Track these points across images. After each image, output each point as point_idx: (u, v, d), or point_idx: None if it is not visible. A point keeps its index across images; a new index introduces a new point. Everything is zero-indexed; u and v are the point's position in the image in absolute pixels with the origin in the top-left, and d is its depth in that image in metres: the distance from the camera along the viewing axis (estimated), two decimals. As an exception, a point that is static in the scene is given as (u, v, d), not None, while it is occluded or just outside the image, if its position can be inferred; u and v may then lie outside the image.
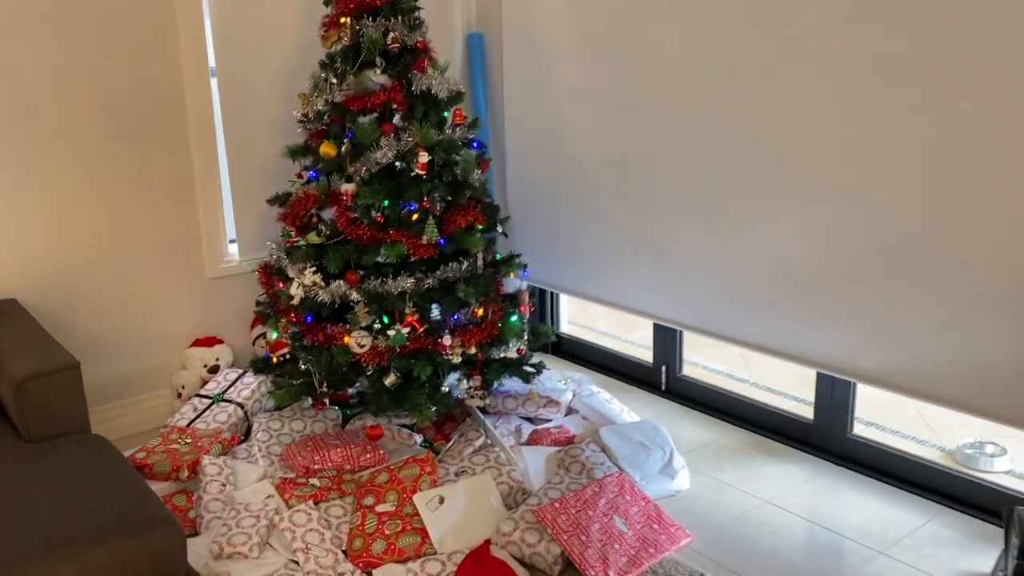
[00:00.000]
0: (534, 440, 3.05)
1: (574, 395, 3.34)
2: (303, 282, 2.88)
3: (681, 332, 3.51)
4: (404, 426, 3.10)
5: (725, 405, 3.36)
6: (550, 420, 3.25)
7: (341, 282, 2.83)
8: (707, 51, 2.86)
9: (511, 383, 3.34)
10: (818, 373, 2.98)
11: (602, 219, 3.39)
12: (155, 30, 3.08)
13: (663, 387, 3.59)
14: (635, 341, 4.35)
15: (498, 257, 3.12)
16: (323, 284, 2.87)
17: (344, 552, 2.43)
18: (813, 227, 2.69)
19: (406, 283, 2.78)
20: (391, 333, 2.75)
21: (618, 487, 2.59)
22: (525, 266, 3.15)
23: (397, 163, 2.83)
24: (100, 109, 3.02)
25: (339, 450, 2.83)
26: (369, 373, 2.86)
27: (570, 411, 3.32)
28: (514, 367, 3.04)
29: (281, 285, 2.98)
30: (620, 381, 3.73)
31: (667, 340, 3.54)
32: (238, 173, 3.39)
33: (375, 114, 2.86)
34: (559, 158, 3.53)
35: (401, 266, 2.87)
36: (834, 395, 2.96)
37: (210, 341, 3.38)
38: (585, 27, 3.27)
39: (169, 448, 2.84)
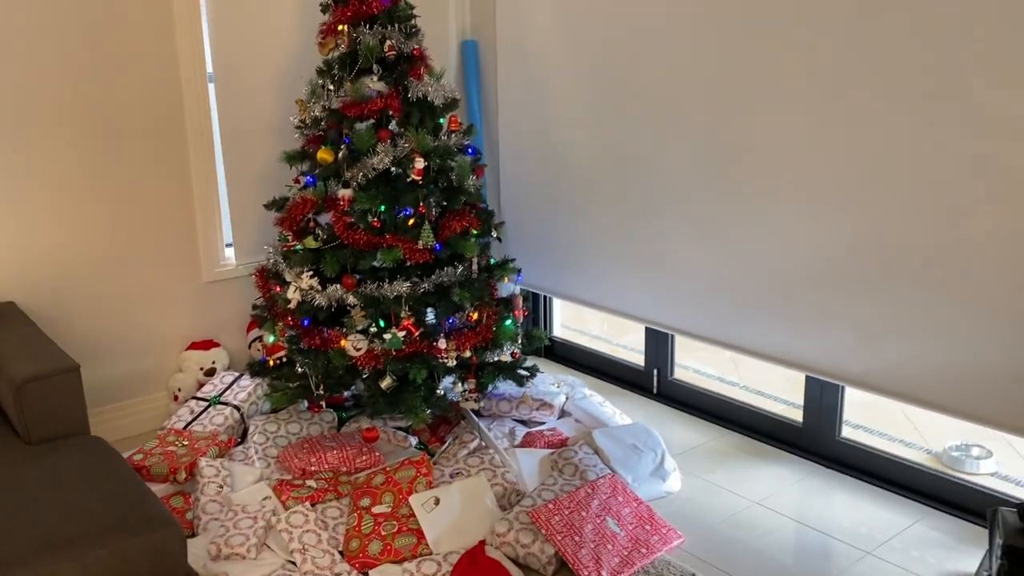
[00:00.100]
0: (528, 442, 3.08)
1: (567, 398, 3.38)
2: (300, 286, 2.91)
3: (672, 336, 3.55)
4: (399, 428, 3.13)
5: (716, 408, 3.40)
6: (544, 423, 3.28)
7: (338, 286, 2.86)
8: (700, 57, 2.91)
9: (505, 386, 3.37)
10: (807, 377, 3.03)
11: (595, 224, 3.43)
12: (154, 36, 3.11)
13: (655, 390, 3.63)
14: (627, 345, 4.38)
15: (492, 262, 3.15)
16: (320, 288, 2.90)
17: (341, 553, 2.45)
18: (803, 233, 2.73)
19: (402, 287, 2.82)
20: (387, 337, 2.78)
21: (611, 489, 2.63)
22: (519, 271, 3.19)
23: (393, 169, 2.86)
24: (99, 113, 3.05)
25: (335, 452, 2.86)
26: (365, 376, 2.89)
27: (563, 414, 3.36)
28: (508, 370, 3.08)
29: (278, 289, 3.01)
30: (612, 384, 3.77)
31: (659, 344, 3.58)
32: (235, 178, 3.41)
33: (372, 120, 2.89)
34: (552, 164, 3.57)
35: (397, 270, 2.90)
36: (823, 399, 3.00)
37: (206, 344, 3.40)
38: (578, 33, 3.31)
39: (166, 450, 2.86)
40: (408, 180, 2.86)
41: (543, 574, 2.38)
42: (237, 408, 3.14)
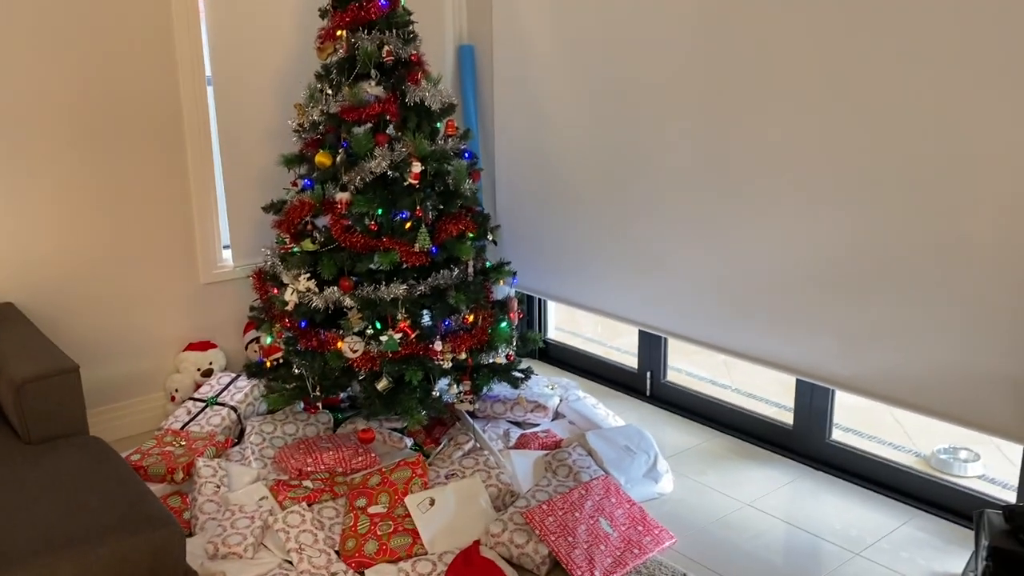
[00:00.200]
0: (522, 444, 3.11)
1: (561, 400, 3.40)
2: (297, 288, 2.93)
3: (665, 339, 3.58)
4: (395, 430, 3.16)
5: (708, 411, 3.43)
6: (538, 424, 3.31)
7: (335, 288, 2.89)
8: (694, 64, 2.94)
9: (500, 388, 3.40)
10: (797, 380, 3.06)
11: (590, 228, 3.46)
12: (153, 38, 3.13)
13: (648, 393, 3.66)
14: (621, 347, 4.41)
15: (488, 265, 3.18)
16: (317, 290, 2.93)
17: (337, 552, 2.48)
18: (797, 237, 2.76)
19: (398, 290, 2.84)
20: (383, 339, 2.81)
21: (604, 490, 2.66)
22: (514, 273, 3.22)
23: (390, 173, 2.89)
24: (98, 115, 3.07)
25: (331, 453, 2.89)
26: (361, 378, 2.92)
27: (557, 416, 3.38)
28: (503, 372, 3.10)
29: (275, 291, 3.03)
30: (606, 386, 3.80)
31: (652, 347, 3.61)
32: (233, 180, 3.44)
33: (370, 125, 2.92)
34: (548, 168, 3.60)
35: (394, 273, 2.93)
36: (813, 402, 3.03)
37: (204, 345, 3.42)
38: (573, 38, 3.34)
39: (164, 450, 2.88)
40: (405, 184, 2.89)
41: (537, 574, 2.41)
42: (234, 409, 3.17)
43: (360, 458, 2.90)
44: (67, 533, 1.87)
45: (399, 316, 2.84)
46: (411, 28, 3.01)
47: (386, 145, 2.88)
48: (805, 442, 3.08)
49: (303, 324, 2.95)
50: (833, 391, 3.00)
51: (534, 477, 2.87)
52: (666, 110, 3.05)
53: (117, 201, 3.17)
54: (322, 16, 3.03)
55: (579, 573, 2.32)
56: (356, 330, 2.86)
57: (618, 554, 2.43)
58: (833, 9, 2.52)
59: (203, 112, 3.28)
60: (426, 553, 2.45)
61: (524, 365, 3.27)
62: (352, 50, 2.93)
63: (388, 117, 2.92)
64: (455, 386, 2.99)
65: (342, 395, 3.38)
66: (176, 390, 3.33)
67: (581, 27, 3.30)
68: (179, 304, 3.38)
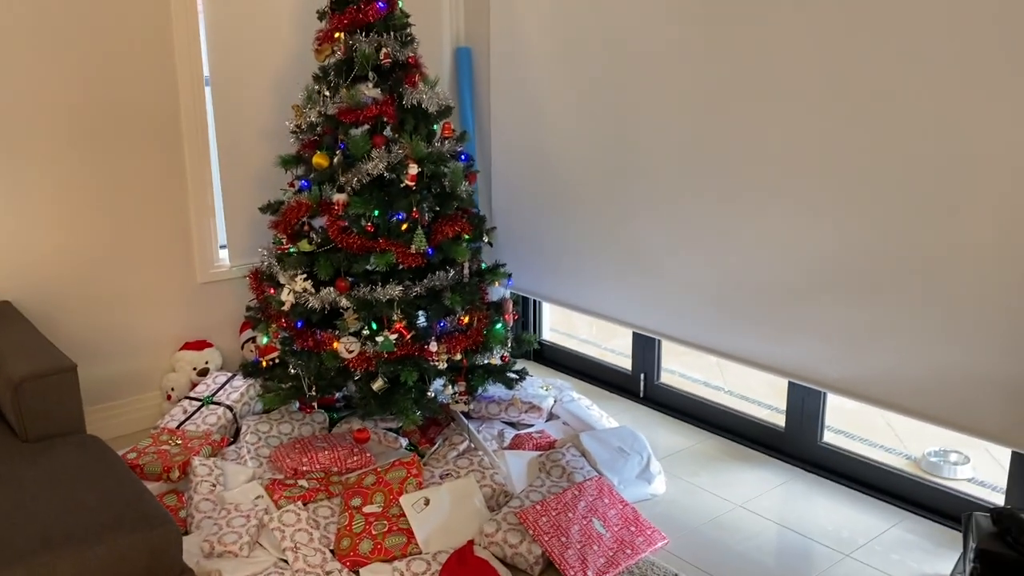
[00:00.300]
0: (516, 444, 3.13)
1: (555, 401, 3.42)
2: (294, 288, 2.95)
3: (659, 341, 3.60)
4: (390, 430, 3.17)
5: (701, 412, 3.45)
6: (532, 425, 3.33)
7: (331, 289, 2.90)
8: (690, 68, 2.96)
9: (495, 389, 3.42)
10: (789, 383, 3.09)
11: (586, 230, 3.48)
12: (151, 38, 3.15)
13: (641, 394, 3.68)
14: (615, 349, 4.43)
15: (483, 266, 3.20)
16: (313, 291, 2.94)
17: (332, 551, 2.50)
18: (789, 242, 2.79)
19: (394, 291, 2.86)
20: (379, 339, 2.83)
21: (597, 490, 2.68)
22: (509, 275, 3.23)
23: (387, 174, 2.90)
24: (96, 115, 3.08)
25: (327, 452, 2.90)
26: (357, 378, 2.94)
27: (551, 416, 3.40)
28: (498, 373, 3.12)
29: (272, 291, 3.05)
30: (600, 388, 3.82)
31: (646, 348, 3.63)
32: (230, 180, 3.45)
33: (367, 126, 2.94)
34: (544, 170, 3.62)
35: (390, 274, 2.95)
36: (805, 404, 3.06)
37: (200, 344, 3.43)
38: (571, 41, 3.36)
39: (160, 449, 2.89)
40: (402, 185, 2.91)
41: (530, 574, 2.43)
42: (230, 408, 3.18)
43: (355, 458, 2.92)
44: (65, 531, 1.89)
45: (395, 317, 2.86)
46: (409, 31, 3.03)
47: (383, 147, 2.90)
48: (797, 444, 3.11)
49: (299, 324, 2.97)
50: (825, 394, 3.02)
51: (528, 477, 2.89)
52: (662, 113, 3.08)
53: (115, 200, 3.18)
54: (320, 18, 3.04)
55: (572, 573, 2.35)
56: (352, 330, 2.88)
57: (611, 554, 2.45)
58: (832, 12, 2.54)
59: (201, 112, 3.30)
60: (421, 553, 2.47)
61: (519, 366, 3.30)
62: (350, 52, 2.94)
63: (385, 119, 2.94)
64: (450, 387, 3.01)
65: (338, 395, 3.39)
66: (172, 389, 3.34)
67: (578, 30, 3.32)
68: (176, 303, 3.40)
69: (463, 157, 3.13)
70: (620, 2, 3.13)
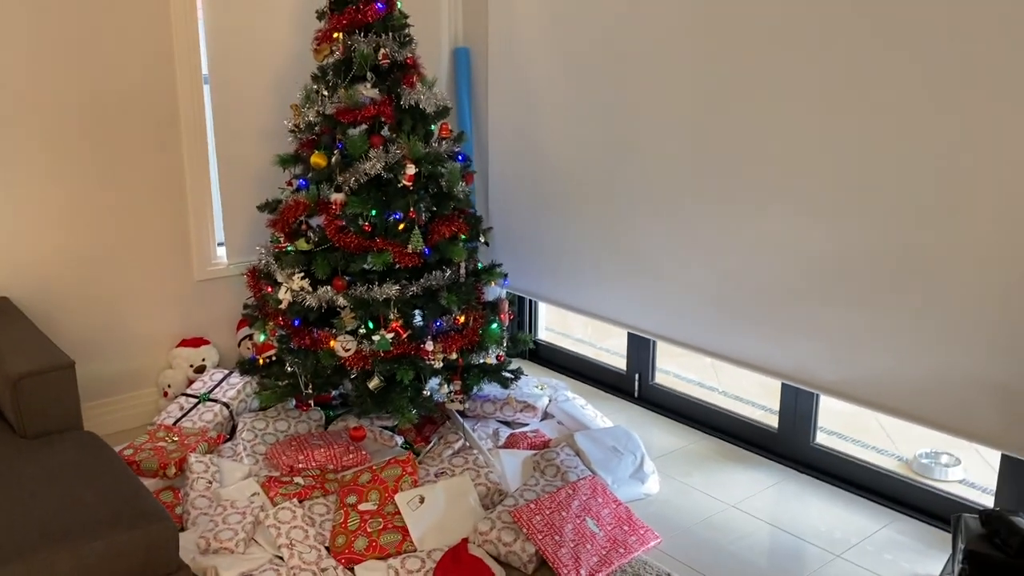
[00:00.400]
0: (511, 443, 3.14)
1: (550, 400, 3.44)
2: (291, 287, 2.96)
3: (654, 341, 3.62)
4: (386, 428, 3.19)
5: (695, 413, 3.47)
6: (527, 424, 3.35)
7: (328, 288, 2.92)
8: (689, 66, 2.98)
9: (490, 388, 3.43)
10: (783, 384, 3.11)
11: (582, 230, 3.50)
12: (150, 37, 3.16)
13: (636, 394, 3.70)
14: (610, 349, 4.45)
15: (480, 266, 3.22)
16: (311, 289, 2.96)
17: (327, 548, 2.51)
18: (785, 245, 2.80)
19: (391, 290, 2.88)
20: (376, 338, 2.84)
21: (591, 490, 2.70)
22: (506, 275, 3.25)
23: (385, 174, 2.92)
24: (94, 113, 3.09)
25: (323, 450, 2.92)
26: (353, 376, 2.95)
27: (546, 416, 3.42)
28: (493, 373, 3.14)
29: (269, 289, 3.06)
30: (595, 388, 3.84)
31: (640, 349, 3.65)
32: (228, 179, 3.46)
33: (365, 126, 2.95)
34: (541, 170, 3.63)
35: (386, 273, 2.96)
36: (798, 405, 3.08)
37: (196, 342, 3.45)
38: (569, 42, 3.37)
39: (156, 446, 2.91)
40: (399, 185, 2.93)
41: (524, 572, 2.44)
42: (226, 405, 3.19)
43: (351, 455, 2.93)
44: (63, 527, 1.90)
45: (391, 316, 2.87)
46: (407, 32, 3.04)
47: (381, 147, 2.91)
48: (790, 445, 3.13)
49: (296, 322, 2.98)
50: (817, 395, 3.04)
51: (522, 476, 2.91)
52: (660, 113, 3.09)
53: (113, 198, 3.19)
54: (319, 18, 3.05)
55: (565, 572, 2.36)
56: (349, 329, 2.89)
57: (604, 553, 2.47)
58: (832, 12, 2.55)
59: (200, 111, 3.31)
60: (415, 550, 2.49)
61: (514, 365, 3.32)
62: (349, 52, 2.96)
63: (383, 119, 2.95)
64: (446, 385, 3.02)
65: (334, 393, 3.41)
66: (169, 386, 3.35)
67: (576, 30, 3.33)
68: (173, 300, 3.41)
69: (460, 157, 3.15)
70: (619, 2, 3.15)
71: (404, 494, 2.65)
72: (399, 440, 3.13)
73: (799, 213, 2.72)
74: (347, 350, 2.86)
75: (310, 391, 3.01)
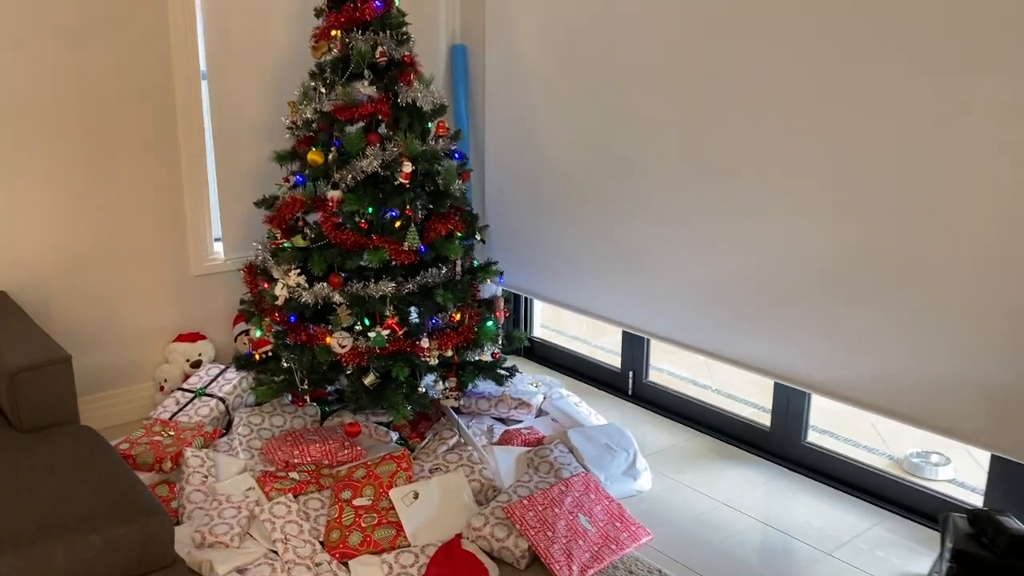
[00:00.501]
0: (505, 440, 3.16)
1: (545, 398, 3.46)
2: (287, 283, 2.97)
3: (648, 339, 3.64)
4: (381, 424, 3.21)
5: (688, 411, 3.49)
6: (521, 421, 3.36)
7: (324, 284, 2.93)
8: (685, 67, 2.99)
9: (485, 385, 3.45)
10: (775, 383, 3.13)
11: (577, 229, 3.51)
12: (148, 33, 3.16)
13: (630, 392, 3.72)
14: (604, 346, 4.47)
15: (476, 264, 3.23)
16: (307, 286, 2.97)
17: (322, 543, 2.53)
18: (780, 244, 2.82)
19: (387, 287, 2.89)
20: (371, 335, 2.86)
21: (584, 486, 2.71)
22: (501, 273, 3.27)
23: (382, 172, 2.93)
24: (92, 108, 3.10)
25: (318, 445, 2.94)
26: (349, 372, 2.97)
27: (540, 413, 3.44)
28: (488, 370, 3.16)
29: (266, 285, 3.07)
30: (589, 385, 3.85)
31: (635, 347, 3.67)
32: (225, 174, 3.47)
33: (362, 124, 2.96)
34: (537, 168, 3.64)
35: (383, 271, 2.98)
36: (790, 404, 3.10)
37: (193, 336, 3.46)
38: (566, 39, 3.38)
39: (152, 440, 2.92)
40: (396, 183, 2.94)
41: (517, 567, 2.46)
42: (222, 400, 3.21)
43: (346, 451, 2.95)
44: (60, 520, 1.91)
45: (387, 313, 2.89)
46: (405, 30, 3.05)
47: (378, 144, 2.93)
48: (781, 443, 3.15)
49: (292, 318, 3.00)
50: (809, 394, 3.06)
51: (516, 473, 2.93)
52: (657, 112, 3.11)
53: (110, 193, 3.20)
54: (317, 15, 3.06)
55: (558, 568, 2.38)
56: (345, 326, 2.91)
57: (596, 549, 2.49)
58: (826, 14, 2.56)
59: (197, 107, 3.32)
60: (409, 545, 2.51)
61: (509, 363, 3.33)
62: (346, 50, 2.97)
63: (380, 117, 2.96)
64: (441, 382, 3.04)
65: (329, 389, 3.42)
66: (165, 380, 3.36)
67: (573, 29, 3.34)
68: (169, 295, 3.42)
69: (457, 155, 3.16)
70: (617, 0, 3.16)
71: (398, 490, 2.67)
72: (394, 436, 3.15)
73: (799, 212, 2.74)
74: (343, 346, 2.88)
75: (306, 387, 3.02)
